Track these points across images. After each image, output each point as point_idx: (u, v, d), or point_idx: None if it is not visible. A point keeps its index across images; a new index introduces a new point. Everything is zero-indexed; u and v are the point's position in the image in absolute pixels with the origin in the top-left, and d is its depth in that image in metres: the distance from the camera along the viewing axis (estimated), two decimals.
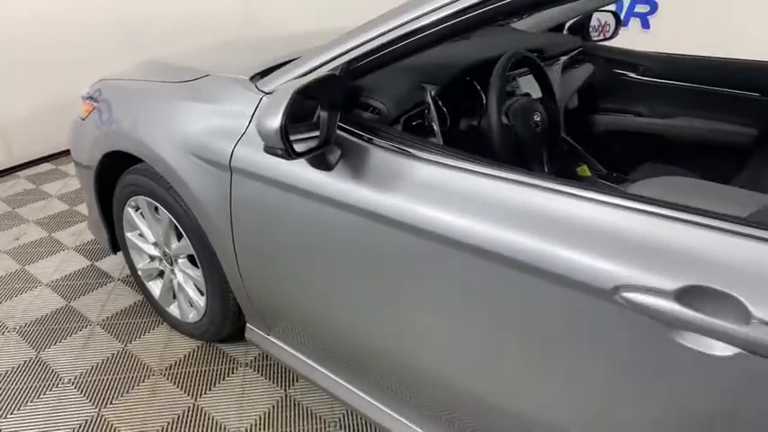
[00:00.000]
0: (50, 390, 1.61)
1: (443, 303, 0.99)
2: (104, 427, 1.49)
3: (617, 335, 0.78)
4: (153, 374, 1.68)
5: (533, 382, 0.92)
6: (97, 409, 1.55)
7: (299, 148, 0.94)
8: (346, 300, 1.17)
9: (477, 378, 1.00)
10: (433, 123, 1.26)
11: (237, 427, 1.50)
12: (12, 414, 1.52)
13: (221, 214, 1.33)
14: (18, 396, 1.59)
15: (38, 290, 2.08)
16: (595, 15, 2.55)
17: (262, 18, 3.97)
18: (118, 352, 1.77)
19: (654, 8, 4.00)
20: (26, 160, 3.20)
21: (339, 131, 1.08)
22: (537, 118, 1.31)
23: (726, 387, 0.71)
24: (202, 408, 1.56)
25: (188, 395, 1.60)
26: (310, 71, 1.11)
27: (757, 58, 1.85)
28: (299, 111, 0.98)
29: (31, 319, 1.91)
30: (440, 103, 1.32)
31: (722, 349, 0.70)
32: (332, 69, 1.06)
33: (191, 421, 1.51)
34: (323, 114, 1.00)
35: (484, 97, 1.40)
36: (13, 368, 1.70)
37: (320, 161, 1.06)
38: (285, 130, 0.89)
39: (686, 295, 0.71)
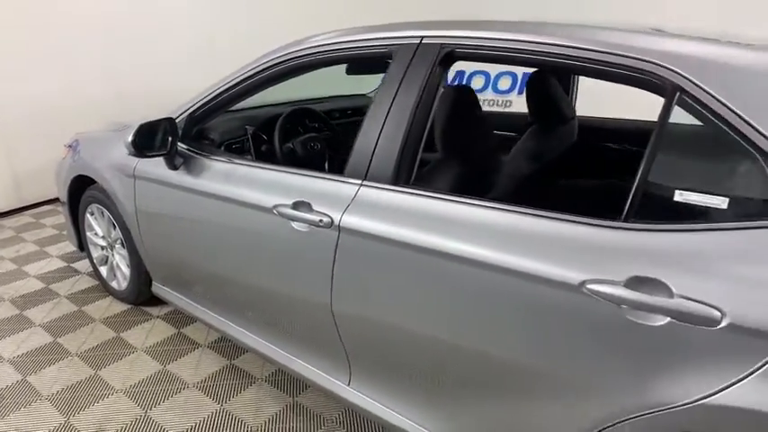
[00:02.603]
0: (23, 331, 2.46)
1: (228, 235, 1.85)
2: (58, 350, 2.32)
3: (280, 230, 1.64)
4: (94, 322, 2.53)
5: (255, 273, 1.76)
6: (53, 338, 2.39)
7: (148, 154, 1.87)
8: (197, 247, 2.03)
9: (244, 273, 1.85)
10: (251, 147, 2.19)
11: (141, 345, 2.33)
12: None
13: (131, 206, 2.23)
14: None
15: (27, 279, 2.97)
16: None
17: None
18: (74, 312, 2.62)
19: None
20: (32, 202, 4.18)
21: (185, 150, 2.00)
22: (314, 145, 2.23)
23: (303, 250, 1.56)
24: (123, 338, 2.39)
25: (114, 332, 2.44)
26: (178, 116, 2.05)
27: None
28: (158, 137, 1.91)
29: (21, 294, 2.79)
30: (263, 136, 2.25)
31: (301, 227, 1.55)
32: (180, 116, 2.01)
33: (116, 344, 2.34)
34: (169, 138, 1.92)
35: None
36: (2, 319, 2.55)
37: (170, 164, 1.97)
38: (135, 142, 1.81)
39: (300, 206, 1.57)
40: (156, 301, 2.51)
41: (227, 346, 2.32)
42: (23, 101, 3.97)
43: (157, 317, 2.57)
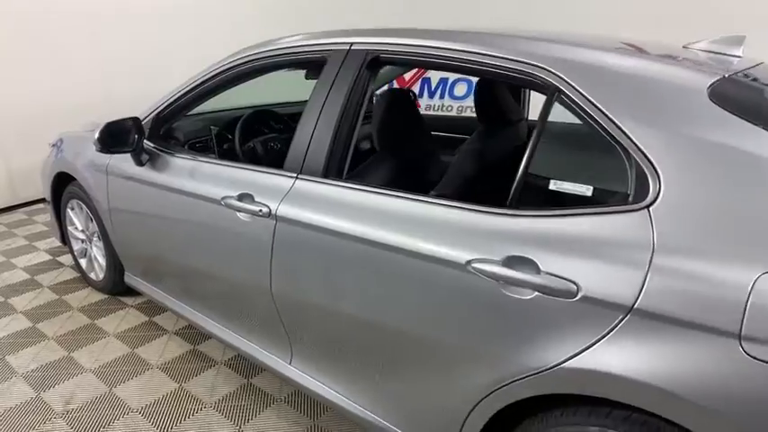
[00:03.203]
0: (6, 317, 2.62)
1: (186, 225, 1.99)
2: (36, 334, 2.47)
3: (227, 220, 1.78)
4: (72, 310, 2.68)
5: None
6: (32, 323, 2.54)
7: (114, 150, 2.02)
8: (160, 238, 2.18)
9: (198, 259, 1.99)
10: (214, 145, 2.34)
11: (113, 331, 2.48)
12: None
13: (104, 200, 2.39)
14: None
15: (14, 270, 3.13)
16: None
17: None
18: (54, 300, 2.78)
19: None
20: (26, 201, 4.37)
21: (151, 148, 2.15)
22: (274, 144, 2.38)
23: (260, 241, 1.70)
24: (98, 324, 2.54)
25: (90, 319, 2.59)
26: (145, 117, 2.20)
27: None
28: (124, 134, 2.06)
29: (7, 284, 2.96)
30: (228, 135, 2.41)
31: (245, 217, 1.70)
32: (147, 116, 2.16)
33: (90, 330, 2.49)
34: (135, 136, 2.07)
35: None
36: None
37: (136, 161, 2.12)
38: (101, 139, 1.96)
39: (244, 198, 1.71)
40: (133, 291, 2.66)
41: (193, 333, 2.47)
42: (19, 103, 4.16)
43: (131, 306, 2.72)
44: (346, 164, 1.60)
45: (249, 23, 5.06)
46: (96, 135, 1.98)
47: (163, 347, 2.36)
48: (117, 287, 2.72)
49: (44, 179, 2.96)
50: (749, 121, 1.04)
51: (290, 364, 1.80)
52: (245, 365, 2.23)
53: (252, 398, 2.04)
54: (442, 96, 5.27)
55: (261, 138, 2.38)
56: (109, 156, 2.29)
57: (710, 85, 1.11)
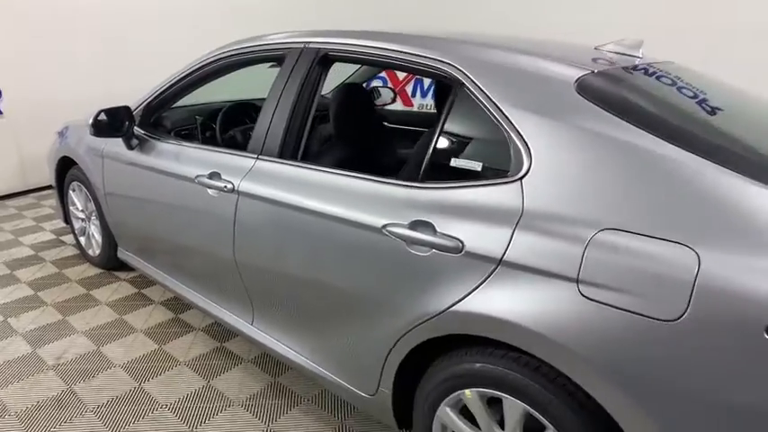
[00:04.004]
0: (10, 286, 2.90)
1: (167, 203, 2.25)
2: (37, 300, 2.75)
3: (199, 196, 2.03)
4: (70, 281, 2.96)
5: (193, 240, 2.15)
6: (34, 292, 2.82)
7: (110, 135, 2.28)
8: (146, 214, 2.44)
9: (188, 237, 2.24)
10: (198, 133, 2.60)
11: (106, 300, 2.74)
12: None
13: (100, 181, 2.66)
14: None
15: (21, 247, 3.42)
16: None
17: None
18: (55, 273, 3.06)
19: None
20: (36, 186, 4.67)
21: (142, 134, 2.41)
22: (250, 133, 2.62)
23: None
24: (92, 294, 2.81)
25: (85, 290, 2.86)
26: (137, 107, 2.47)
27: None
28: (116, 121, 2.33)
29: (14, 258, 3.24)
30: (212, 124, 2.66)
31: (213, 193, 1.94)
32: (139, 106, 2.43)
33: (85, 299, 2.76)
34: (126, 122, 2.34)
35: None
36: None
37: (127, 145, 2.39)
38: (95, 125, 2.23)
39: (214, 176, 1.96)
40: (127, 267, 2.93)
41: (177, 304, 2.72)
42: (31, 96, 4.47)
43: (124, 279, 2.99)
44: (300, 146, 1.84)
45: (248, 23, 5.33)
46: (90, 121, 2.24)
47: (148, 315, 2.62)
48: (111, 262, 2.99)
49: (50, 163, 3.24)
50: (604, 109, 1.26)
51: (251, 324, 2.04)
52: (220, 331, 2.48)
53: (222, 358, 2.29)
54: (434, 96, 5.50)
55: (241, 127, 2.63)
56: (104, 141, 2.56)
57: (578, 79, 1.33)
